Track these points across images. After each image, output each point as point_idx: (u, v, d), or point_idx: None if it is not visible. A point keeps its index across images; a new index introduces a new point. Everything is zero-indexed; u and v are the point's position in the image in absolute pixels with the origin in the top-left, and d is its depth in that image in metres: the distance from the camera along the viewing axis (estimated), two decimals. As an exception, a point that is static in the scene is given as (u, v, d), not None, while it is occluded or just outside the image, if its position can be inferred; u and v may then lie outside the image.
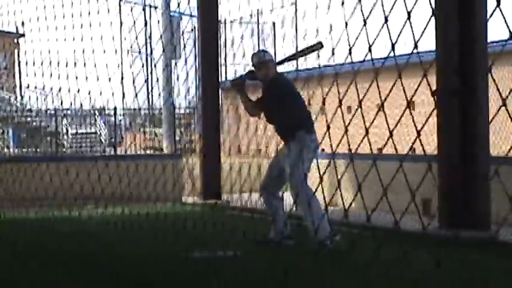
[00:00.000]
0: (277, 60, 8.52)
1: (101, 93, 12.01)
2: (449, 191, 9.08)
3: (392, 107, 14.01)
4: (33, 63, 14.43)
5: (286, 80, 8.50)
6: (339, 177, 5.70)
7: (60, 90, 13.84)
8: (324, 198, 7.02)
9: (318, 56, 8.07)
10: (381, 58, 5.85)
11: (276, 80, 8.30)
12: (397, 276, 6.54)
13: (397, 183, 5.33)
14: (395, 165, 5.18)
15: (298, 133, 8.02)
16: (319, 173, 5.68)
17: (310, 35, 7.84)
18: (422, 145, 4.85)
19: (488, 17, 8.91)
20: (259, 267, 7.17)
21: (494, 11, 4.00)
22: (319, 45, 8.10)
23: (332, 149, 5.55)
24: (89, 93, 11.49)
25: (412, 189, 4.94)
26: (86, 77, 11.32)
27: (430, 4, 4.80)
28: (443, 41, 9.12)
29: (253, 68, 8.42)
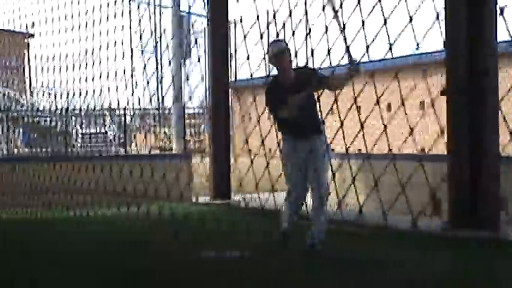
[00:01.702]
0: None
1: (110, 93, 12.04)
2: (458, 191, 9.07)
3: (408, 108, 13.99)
4: (44, 63, 14.48)
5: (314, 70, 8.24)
6: (351, 177, 5.71)
7: (70, 90, 13.89)
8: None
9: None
10: (393, 58, 5.86)
11: (305, 71, 8.01)
12: (406, 276, 6.55)
13: (407, 183, 5.34)
14: (405, 165, 5.19)
15: (323, 130, 7.93)
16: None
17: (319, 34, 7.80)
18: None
19: (498, 15, 8.91)
20: (269, 267, 7.17)
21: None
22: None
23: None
24: (100, 93, 11.52)
25: (423, 189, 4.95)
26: (99, 77, 11.35)
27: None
28: (452, 39, 9.11)
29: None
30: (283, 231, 8.06)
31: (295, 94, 7.73)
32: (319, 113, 8.02)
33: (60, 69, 14.32)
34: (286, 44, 8.11)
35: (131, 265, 7.42)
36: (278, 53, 7.97)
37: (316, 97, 8.06)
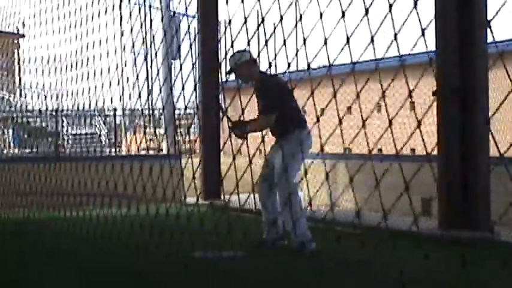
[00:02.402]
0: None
1: (100, 94, 12.00)
2: (448, 191, 9.08)
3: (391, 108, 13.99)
4: (34, 63, 14.42)
5: (277, 79, 8.39)
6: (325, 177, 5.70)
7: (60, 90, 13.84)
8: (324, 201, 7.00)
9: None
10: (379, 59, 5.84)
11: (264, 82, 8.20)
12: (394, 277, 6.54)
13: (397, 184, 5.33)
14: (395, 165, 5.18)
15: (292, 133, 8.00)
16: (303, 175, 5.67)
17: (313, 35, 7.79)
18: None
19: (488, 15, 8.92)
20: (260, 267, 7.17)
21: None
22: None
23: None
24: (90, 93, 11.48)
25: (412, 190, 4.93)
26: (90, 77, 11.32)
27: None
28: (443, 40, 9.12)
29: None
30: (265, 236, 8.28)
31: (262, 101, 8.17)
32: (290, 115, 8.07)
33: (50, 69, 14.27)
34: (246, 53, 8.22)
35: (124, 266, 7.40)
36: (232, 69, 8.32)
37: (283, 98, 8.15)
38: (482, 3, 8.89)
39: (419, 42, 4.31)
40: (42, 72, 13.66)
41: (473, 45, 8.90)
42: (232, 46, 6.64)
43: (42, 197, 12.49)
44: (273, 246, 8.25)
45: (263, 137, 6.95)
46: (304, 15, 5.52)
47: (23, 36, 27.45)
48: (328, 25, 5.56)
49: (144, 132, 22.54)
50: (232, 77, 8.63)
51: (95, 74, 11.05)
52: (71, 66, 12.49)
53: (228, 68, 8.30)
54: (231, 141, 6.81)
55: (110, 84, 10.67)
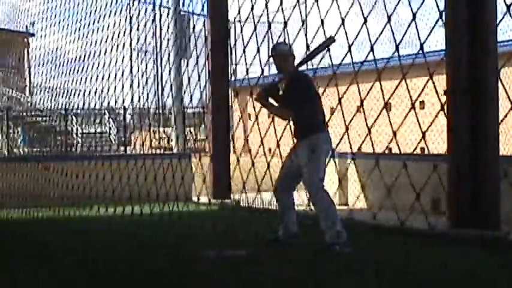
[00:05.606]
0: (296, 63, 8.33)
1: (110, 92, 12.04)
2: (458, 190, 9.07)
3: (400, 106, 14.01)
4: (43, 62, 14.49)
5: (306, 78, 8.35)
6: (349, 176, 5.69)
7: (70, 89, 13.90)
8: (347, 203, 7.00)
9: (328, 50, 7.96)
10: (388, 58, 5.85)
11: (295, 77, 8.20)
12: (406, 275, 6.55)
13: (407, 182, 5.34)
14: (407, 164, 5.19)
15: (312, 133, 7.97)
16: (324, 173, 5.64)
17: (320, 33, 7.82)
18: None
19: (499, 15, 8.92)
20: (271, 266, 7.17)
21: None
22: (331, 41, 7.92)
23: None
24: (100, 92, 11.52)
25: (422, 188, 4.93)
26: (99, 76, 11.36)
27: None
28: (453, 40, 9.11)
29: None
30: (280, 233, 8.26)
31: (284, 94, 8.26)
32: (311, 116, 8.05)
33: (60, 68, 14.31)
34: (289, 47, 8.29)
35: (136, 265, 7.41)
36: (272, 55, 8.33)
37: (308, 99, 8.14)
38: (493, 3, 8.88)
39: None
40: (51, 71, 13.74)
41: (484, 44, 8.89)
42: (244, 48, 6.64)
43: (51, 196, 12.53)
44: (286, 244, 8.22)
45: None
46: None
47: (32, 35, 27.53)
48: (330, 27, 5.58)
49: (154, 131, 22.55)
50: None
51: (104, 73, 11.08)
52: (81, 66, 12.54)
53: (275, 54, 8.31)
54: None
55: (123, 86, 10.70)
